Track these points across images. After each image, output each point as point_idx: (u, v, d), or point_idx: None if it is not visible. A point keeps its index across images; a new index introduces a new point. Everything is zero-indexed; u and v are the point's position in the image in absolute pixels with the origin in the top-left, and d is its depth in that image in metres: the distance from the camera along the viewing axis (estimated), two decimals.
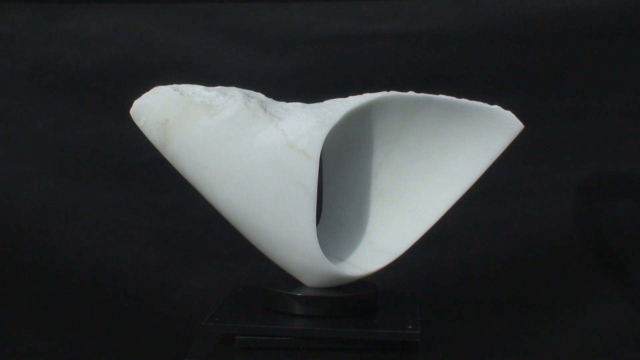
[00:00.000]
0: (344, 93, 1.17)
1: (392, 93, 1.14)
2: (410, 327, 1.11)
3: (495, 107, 1.15)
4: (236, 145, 1.10)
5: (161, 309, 1.63)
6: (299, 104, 1.16)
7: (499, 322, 1.62)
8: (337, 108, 1.13)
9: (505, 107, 1.15)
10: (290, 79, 1.58)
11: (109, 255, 1.62)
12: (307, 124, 1.11)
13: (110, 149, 1.61)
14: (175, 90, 1.14)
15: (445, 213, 1.17)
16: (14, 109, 1.61)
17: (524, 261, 1.60)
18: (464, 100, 1.15)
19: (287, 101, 1.17)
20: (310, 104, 1.16)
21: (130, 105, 1.13)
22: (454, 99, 1.15)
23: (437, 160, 1.19)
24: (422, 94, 1.15)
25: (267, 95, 1.17)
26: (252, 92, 1.17)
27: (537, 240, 1.60)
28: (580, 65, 1.57)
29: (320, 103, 1.16)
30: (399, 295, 1.28)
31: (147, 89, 1.15)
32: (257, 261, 1.24)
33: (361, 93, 1.15)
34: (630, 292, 1.62)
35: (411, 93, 1.14)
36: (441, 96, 1.15)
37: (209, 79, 1.22)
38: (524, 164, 1.58)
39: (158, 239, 1.63)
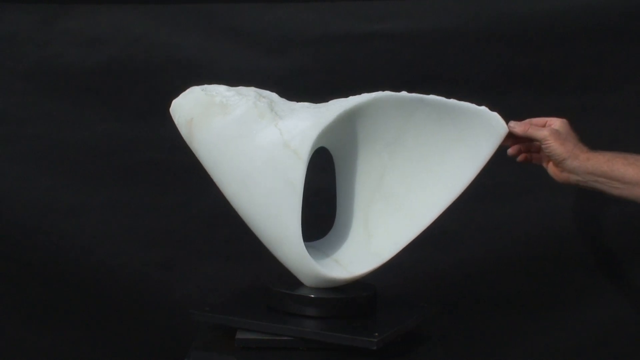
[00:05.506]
0: (344, 93, 1.17)
1: (386, 93, 1.14)
2: (376, 334, 1.08)
3: (482, 108, 1.14)
4: (241, 144, 1.11)
5: (162, 308, 1.63)
6: (306, 104, 1.17)
7: (498, 322, 1.62)
8: (334, 108, 1.13)
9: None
10: (291, 79, 1.58)
11: (110, 254, 1.62)
12: (303, 124, 1.11)
13: (111, 149, 1.61)
14: (202, 90, 1.16)
15: (445, 213, 1.17)
16: (14, 109, 1.61)
17: (523, 261, 1.60)
18: (452, 101, 1.14)
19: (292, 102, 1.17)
20: (316, 104, 1.16)
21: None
22: (443, 99, 1.14)
23: (434, 162, 1.18)
24: (414, 94, 1.14)
25: None
26: (265, 92, 1.18)
27: (537, 240, 1.60)
28: (580, 65, 1.57)
29: (326, 103, 1.17)
30: (399, 295, 1.28)
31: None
32: (257, 261, 1.24)
33: (360, 93, 1.14)
34: (630, 292, 1.62)
35: (404, 93, 1.14)
36: (432, 96, 1.15)
37: (209, 79, 1.22)
38: (524, 164, 1.58)
39: (159, 238, 1.63)
